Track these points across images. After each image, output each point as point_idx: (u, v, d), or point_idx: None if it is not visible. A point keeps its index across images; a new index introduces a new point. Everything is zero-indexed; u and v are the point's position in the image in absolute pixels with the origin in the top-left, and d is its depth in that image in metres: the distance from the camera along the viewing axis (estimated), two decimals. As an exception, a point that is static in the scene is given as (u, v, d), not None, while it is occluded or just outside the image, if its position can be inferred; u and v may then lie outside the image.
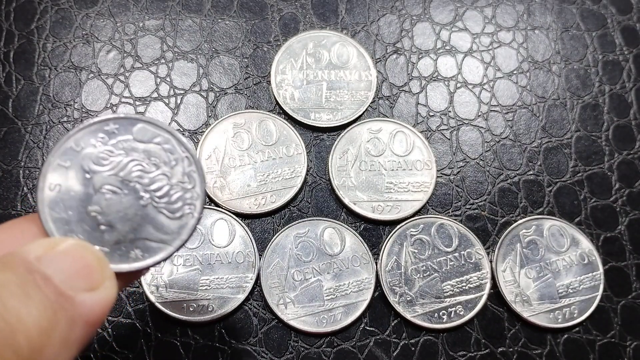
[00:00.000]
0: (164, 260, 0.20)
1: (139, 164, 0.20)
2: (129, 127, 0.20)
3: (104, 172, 0.20)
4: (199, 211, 0.20)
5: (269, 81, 0.32)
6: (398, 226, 0.30)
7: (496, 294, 0.29)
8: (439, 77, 0.33)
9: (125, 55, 0.32)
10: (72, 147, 0.20)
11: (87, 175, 0.20)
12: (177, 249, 0.20)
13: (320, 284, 0.28)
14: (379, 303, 0.29)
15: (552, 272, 0.29)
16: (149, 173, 0.20)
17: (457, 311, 0.28)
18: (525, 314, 0.29)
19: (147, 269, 0.19)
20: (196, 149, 0.30)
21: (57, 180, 0.20)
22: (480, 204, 0.31)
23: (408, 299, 0.28)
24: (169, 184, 0.20)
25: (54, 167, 0.20)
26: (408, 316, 0.28)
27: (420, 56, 0.34)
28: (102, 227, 0.19)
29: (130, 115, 0.20)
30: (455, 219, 0.30)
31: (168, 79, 0.32)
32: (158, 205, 0.20)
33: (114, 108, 0.31)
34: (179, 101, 0.32)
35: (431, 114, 0.33)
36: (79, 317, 0.16)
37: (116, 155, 0.20)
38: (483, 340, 0.29)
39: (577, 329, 0.29)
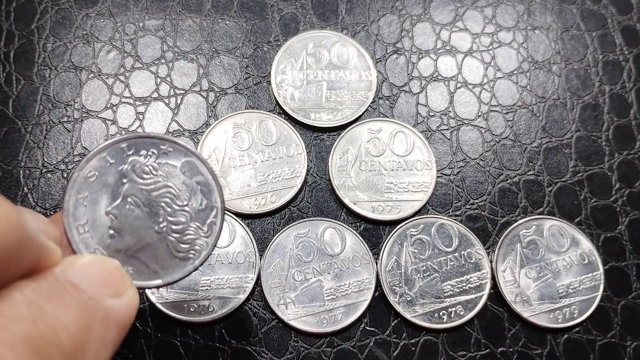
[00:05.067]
0: (145, 288, 0.20)
1: (173, 192, 0.20)
2: (181, 155, 0.21)
3: (138, 184, 0.20)
4: (201, 260, 0.20)
5: (269, 81, 0.32)
6: (398, 226, 0.30)
7: (496, 294, 0.29)
8: (439, 77, 0.33)
9: (125, 55, 0.32)
10: (123, 148, 0.20)
11: (124, 179, 0.20)
12: (163, 286, 0.20)
13: (320, 284, 0.28)
14: (379, 303, 0.29)
15: (552, 272, 0.29)
16: (177, 205, 0.20)
17: (457, 311, 0.29)
18: (526, 314, 0.29)
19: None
20: (196, 149, 0.30)
21: (96, 169, 0.20)
22: (480, 204, 0.31)
23: (408, 299, 0.28)
24: (188, 224, 0.20)
25: (99, 158, 0.20)
26: (408, 316, 0.28)
27: (420, 56, 0.34)
28: (111, 232, 0.20)
29: (187, 147, 0.21)
30: (455, 219, 0.30)
31: (168, 79, 0.32)
32: (169, 238, 0.20)
33: (114, 108, 0.31)
34: (179, 101, 0.32)
35: (431, 114, 0.33)
36: (111, 320, 0.17)
37: (157, 175, 0.20)
38: (483, 340, 0.29)
39: (577, 329, 0.29)
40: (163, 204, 0.20)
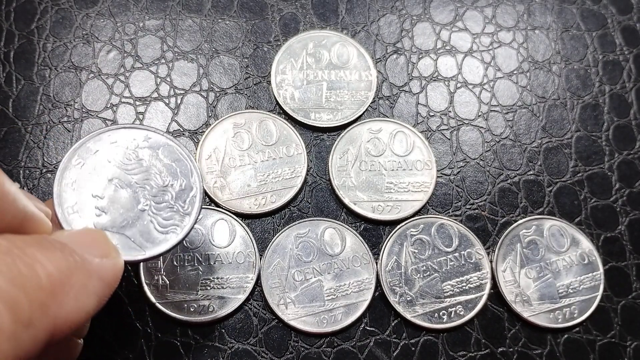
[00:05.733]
0: (133, 262, 0.22)
1: (154, 174, 0.22)
2: (160, 141, 0.23)
3: (122, 168, 0.22)
4: (183, 235, 0.22)
5: (269, 81, 0.32)
6: (398, 226, 0.30)
7: (496, 294, 0.29)
8: (439, 77, 0.33)
9: (125, 55, 0.32)
10: (107, 137, 0.22)
11: (108, 164, 0.22)
12: (149, 259, 0.22)
13: (320, 284, 0.28)
14: (379, 303, 0.29)
15: (552, 272, 0.29)
16: (158, 186, 0.22)
17: (457, 311, 0.29)
18: (526, 314, 0.29)
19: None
20: (196, 149, 0.30)
21: (82, 157, 0.22)
22: (480, 204, 0.31)
23: (408, 299, 0.28)
24: (170, 202, 0.22)
25: (84, 147, 0.22)
26: (408, 316, 0.28)
27: (420, 56, 0.34)
28: (97, 211, 0.21)
29: (166, 135, 0.23)
30: (455, 219, 0.30)
31: (168, 79, 0.32)
32: (152, 215, 0.22)
33: (114, 108, 0.31)
34: (179, 101, 0.32)
35: (431, 114, 0.33)
36: (94, 272, 0.18)
37: (140, 159, 0.22)
38: (483, 340, 0.29)
39: (577, 329, 0.29)
40: (146, 185, 0.22)
